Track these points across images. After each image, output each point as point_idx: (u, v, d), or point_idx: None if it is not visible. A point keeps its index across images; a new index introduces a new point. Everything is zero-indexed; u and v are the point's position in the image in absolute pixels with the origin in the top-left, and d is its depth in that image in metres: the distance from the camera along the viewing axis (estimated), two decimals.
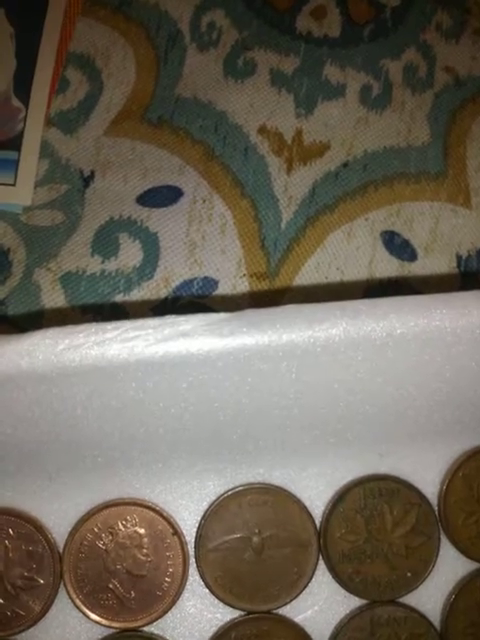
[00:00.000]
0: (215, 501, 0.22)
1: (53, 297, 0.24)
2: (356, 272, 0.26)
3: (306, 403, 0.21)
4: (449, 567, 0.23)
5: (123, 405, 0.21)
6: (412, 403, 0.22)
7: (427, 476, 0.23)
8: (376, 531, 0.23)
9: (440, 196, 0.26)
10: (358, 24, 0.29)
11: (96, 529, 0.22)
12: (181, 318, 0.19)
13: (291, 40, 0.28)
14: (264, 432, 0.22)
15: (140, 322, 0.19)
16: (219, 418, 0.21)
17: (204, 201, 0.25)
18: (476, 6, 0.30)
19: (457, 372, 0.22)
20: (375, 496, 0.23)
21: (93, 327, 0.19)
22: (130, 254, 0.25)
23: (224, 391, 0.20)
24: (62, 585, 0.22)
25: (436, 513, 0.23)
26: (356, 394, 0.21)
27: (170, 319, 0.19)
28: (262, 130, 0.27)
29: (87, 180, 0.26)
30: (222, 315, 0.19)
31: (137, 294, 0.24)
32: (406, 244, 0.26)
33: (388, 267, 0.26)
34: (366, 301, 0.20)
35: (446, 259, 0.26)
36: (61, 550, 0.22)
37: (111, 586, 0.22)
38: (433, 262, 0.26)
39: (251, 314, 0.20)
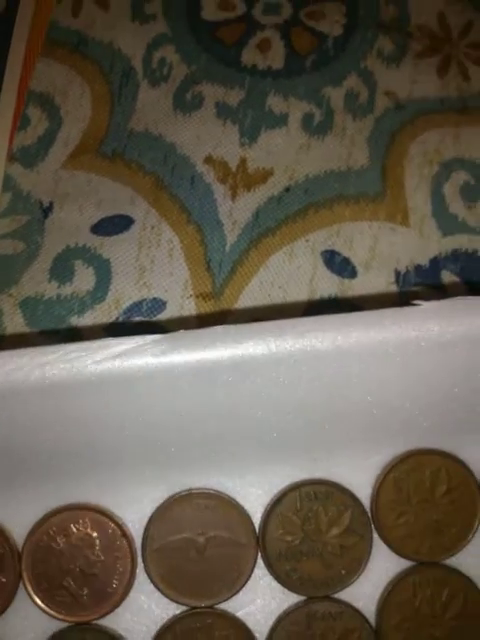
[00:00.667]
0: (161, 505, 0.26)
1: (14, 320, 0.28)
2: (298, 290, 0.29)
3: (240, 415, 0.25)
4: (382, 565, 0.26)
5: (71, 420, 0.25)
6: (343, 413, 0.26)
7: (360, 479, 0.26)
8: (311, 532, 0.26)
9: (379, 216, 0.30)
10: (301, 55, 0.32)
11: (51, 532, 0.26)
12: (116, 340, 0.23)
13: (237, 73, 0.32)
14: (203, 442, 0.25)
15: (79, 345, 0.23)
16: (159, 430, 0.25)
17: (153, 228, 0.29)
18: (417, 30, 0.34)
19: (384, 384, 0.25)
20: (310, 499, 0.26)
21: (36, 350, 0.23)
22: (84, 279, 0.29)
23: (160, 406, 0.24)
24: (22, 583, 0.26)
25: (368, 514, 0.26)
26: (287, 406, 0.25)
27: (107, 341, 0.23)
28: (208, 160, 0.31)
29: (46, 211, 0.30)
30: (155, 337, 0.23)
31: (90, 316, 0.28)
32: (346, 262, 0.30)
33: (329, 284, 0.29)
34: (289, 321, 0.24)
35: (385, 275, 0.30)
36: (21, 550, 0.26)
37: (66, 584, 0.26)
38: (372, 278, 0.30)
39: (181, 335, 0.23)
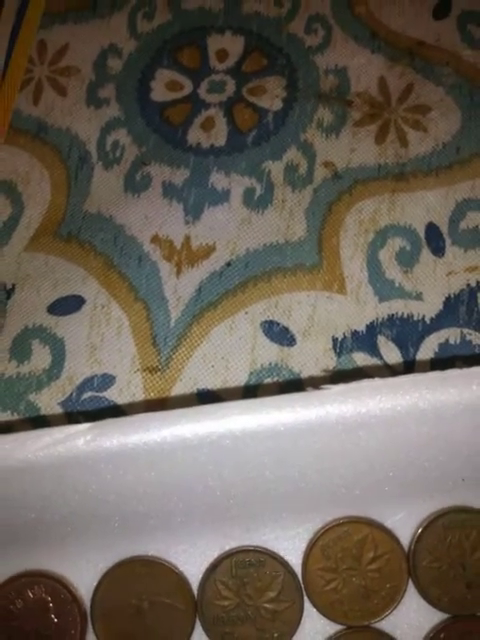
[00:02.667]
0: (106, 572, 0.26)
1: None
2: (240, 359, 0.28)
3: (170, 493, 0.24)
4: (313, 628, 0.25)
5: (18, 501, 0.24)
6: (269, 487, 0.25)
7: (291, 547, 0.26)
8: (246, 597, 0.25)
9: (316, 285, 0.29)
10: (242, 131, 0.31)
11: (10, 596, 0.26)
12: (48, 431, 0.23)
13: (182, 153, 0.31)
14: (141, 515, 0.25)
15: (16, 436, 0.23)
16: (99, 506, 0.25)
17: (103, 307, 0.29)
18: (358, 98, 0.32)
19: (305, 460, 0.24)
20: (244, 566, 0.25)
21: None
22: (41, 358, 0.28)
23: (94, 486, 0.24)
24: None
25: (299, 580, 0.25)
26: (213, 484, 0.24)
27: (42, 431, 0.23)
28: (154, 239, 0.30)
29: (9, 293, 0.30)
30: (83, 426, 0.23)
31: (47, 392, 0.28)
32: (285, 331, 0.28)
33: (269, 353, 0.28)
34: (206, 407, 0.23)
35: (323, 342, 0.28)
36: None
37: None
38: (311, 345, 0.28)
39: (107, 424, 0.23)
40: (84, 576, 0.26)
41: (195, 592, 0.25)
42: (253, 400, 0.23)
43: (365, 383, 0.23)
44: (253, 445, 0.24)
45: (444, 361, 0.28)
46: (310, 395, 0.23)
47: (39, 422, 0.27)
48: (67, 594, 0.26)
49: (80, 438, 0.23)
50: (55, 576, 0.26)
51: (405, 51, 0.33)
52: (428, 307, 0.29)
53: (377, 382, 0.23)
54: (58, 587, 0.26)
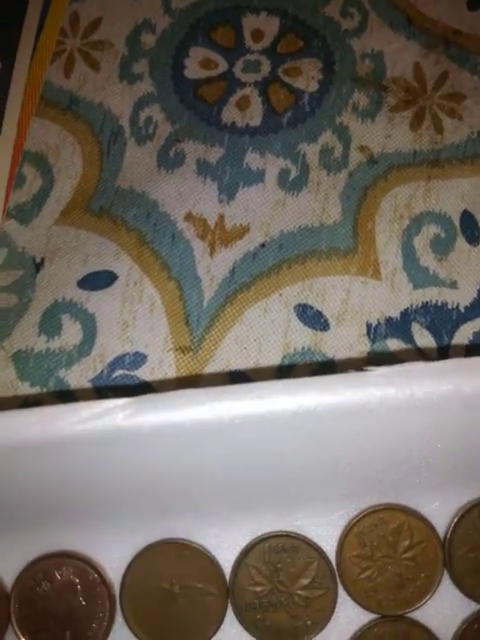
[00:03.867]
0: (137, 554, 0.24)
1: (5, 373, 0.26)
2: (272, 343, 0.26)
3: (208, 473, 0.22)
4: (346, 617, 0.23)
5: (50, 478, 0.22)
6: (307, 470, 0.23)
7: (325, 533, 0.24)
8: (279, 583, 0.23)
9: (350, 270, 0.27)
10: (278, 112, 0.29)
11: (37, 577, 0.24)
12: (87, 404, 0.20)
13: (217, 131, 0.29)
14: (175, 496, 0.23)
15: (54, 408, 0.21)
16: (132, 485, 0.22)
17: (136, 284, 0.26)
18: (393, 83, 0.30)
19: (346, 443, 0.22)
20: (278, 551, 0.23)
21: (15, 413, 0.21)
22: (71, 333, 0.26)
23: (130, 465, 0.22)
24: (10, 625, 0.24)
25: (334, 567, 0.23)
26: (252, 465, 0.22)
27: (80, 405, 0.21)
28: (188, 217, 0.27)
29: (38, 266, 0.27)
30: (123, 400, 0.21)
31: (77, 369, 0.26)
32: (319, 315, 0.26)
33: (302, 337, 0.26)
34: (248, 385, 0.21)
35: (357, 327, 0.26)
36: (9, 594, 0.24)
37: (50, 626, 0.24)
38: (345, 330, 0.26)
39: (148, 399, 0.21)
40: (114, 558, 0.24)
41: (227, 577, 0.24)
42: (295, 380, 0.21)
43: (409, 366, 0.21)
44: (293, 426, 0.21)
45: (479, 349, 0.26)
46: (353, 376, 0.21)
47: (68, 399, 0.25)
48: (96, 576, 0.24)
49: (119, 413, 0.21)
50: (84, 557, 0.24)
51: (440, 39, 0.30)
52: (463, 295, 0.27)
53: (420, 365, 0.21)
54: (87, 569, 0.24)
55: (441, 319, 0.26)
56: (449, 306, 0.27)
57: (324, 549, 0.23)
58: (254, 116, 0.29)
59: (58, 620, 0.24)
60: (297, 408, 0.21)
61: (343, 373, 0.21)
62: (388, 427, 0.22)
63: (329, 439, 0.22)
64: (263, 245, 0.27)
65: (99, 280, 0.27)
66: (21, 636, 0.24)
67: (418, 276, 0.27)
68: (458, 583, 0.23)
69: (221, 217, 0.27)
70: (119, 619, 0.23)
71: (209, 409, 0.21)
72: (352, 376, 0.21)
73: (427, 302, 0.27)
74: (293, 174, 0.28)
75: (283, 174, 0.28)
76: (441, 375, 0.21)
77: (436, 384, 0.21)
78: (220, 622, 0.23)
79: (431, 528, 0.23)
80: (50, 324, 0.27)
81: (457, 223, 0.28)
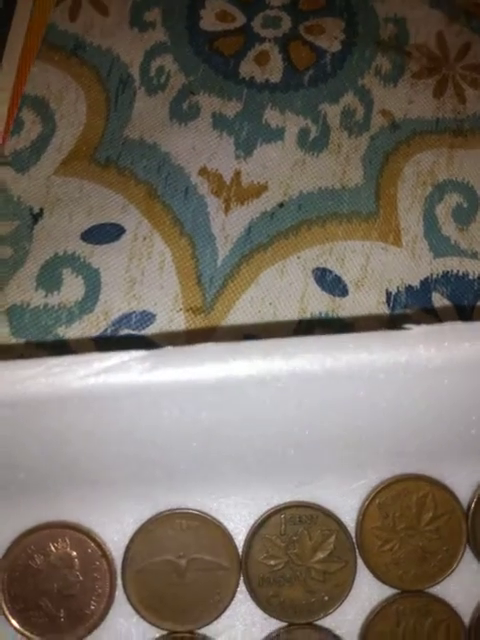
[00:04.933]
0: (142, 525, 0.23)
1: None
2: (288, 307, 0.26)
3: (225, 436, 0.22)
4: (365, 592, 0.23)
5: (52, 436, 0.21)
6: (329, 436, 0.22)
7: (345, 504, 0.23)
8: (295, 556, 0.23)
9: (371, 235, 0.27)
10: (299, 70, 0.29)
11: (30, 550, 0.22)
12: (100, 356, 0.19)
13: (234, 85, 0.28)
14: (187, 462, 0.22)
15: (62, 359, 0.20)
16: (142, 448, 0.22)
17: (145, 239, 0.26)
18: (416, 50, 0.30)
19: (372, 408, 0.22)
20: (295, 522, 0.23)
21: (18, 364, 0.20)
22: (72, 289, 0.25)
23: (144, 424, 0.21)
24: None
25: (353, 540, 0.23)
26: (273, 428, 0.22)
27: (90, 356, 0.20)
28: (203, 171, 0.27)
29: (36, 217, 0.26)
30: (140, 353, 0.20)
31: (78, 327, 0.25)
32: (338, 280, 0.26)
33: (319, 302, 0.26)
34: (277, 341, 0.20)
35: (376, 294, 0.26)
36: None
37: (42, 604, 0.22)
38: (363, 297, 0.26)
39: (167, 352, 0.20)
40: (116, 529, 0.23)
41: (240, 550, 0.23)
42: (326, 337, 0.21)
43: (448, 325, 0.21)
44: (321, 387, 0.21)
45: None
46: (390, 334, 0.21)
47: None
48: (96, 549, 0.22)
49: (136, 366, 0.20)
50: (82, 529, 0.22)
51: (462, 10, 0.31)
52: None
53: (462, 325, 0.21)
54: (86, 541, 0.22)
55: (462, 289, 0.27)
56: (470, 276, 0.27)
57: (343, 521, 0.23)
58: (274, 72, 0.29)
59: (52, 597, 0.22)
60: (329, 366, 0.21)
61: (378, 331, 0.21)
62: (422, 390, 0.22)
63: (358, 401, 0.22)
64: (282, 205, 0.27)
65: (105, 233, 0.26)
66: (10, 616, 0.22)
67: (440, 245, 0.27)
68: None
69: (237, 173, 0.27)
70: (120, 596, 0.22)
71: (234, 366, 0.20)
72: (388, 334, 0.21)
73: (448, 271, 0.27)
74: (313, 134, 0.28)
75: (303, 133, 0.28)
76: None
77: (476, 346, 0.22)
78: (231, 598, 0.22)
79: (455, 499, 0.23)
80: (49, 278, 0.26)
81: (479, 193, 0.28)
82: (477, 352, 0.21)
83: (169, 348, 0.20)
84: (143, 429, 0.21)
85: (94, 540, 0.23)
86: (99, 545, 0.23)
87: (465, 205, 0.28)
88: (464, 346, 0.21)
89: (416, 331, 0.21)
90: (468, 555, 0.23)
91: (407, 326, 0.21)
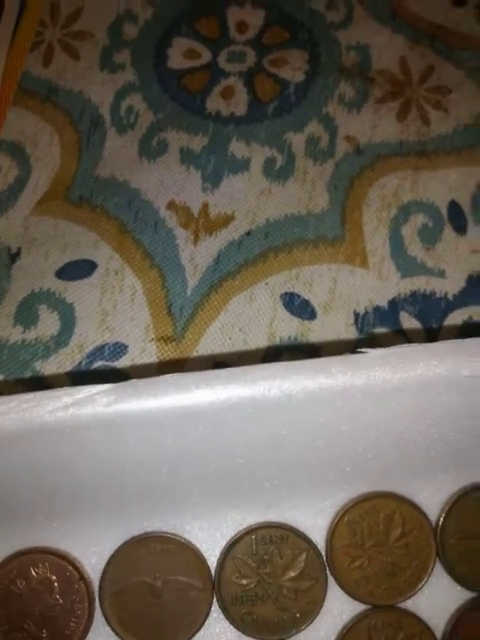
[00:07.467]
0: (118, 548, 0.25)
1: None
2: (258, 332, 0.28)
3: (192, 462, 0.24)
4: (337, 608, 0.25)
5: (26, 468, 0.24)
6: (294, 457, 0.24)
7: (315, 523, 0.25)
8: (267, 575, 0.25)
9: (338, 258, 0.29)
10: (263, 101, 0.32)
11: (12, 575, 0.25)
12: (67, 390, 0.22)
13: (201, 120, 0.31)
14: (158, 487, 0.24)
15: (32, 395, 0.22)
16: (113, 476, 0.24)
17: (116, 273, 0.29)
18: (379, 75, 0.33)
19: (334, 428, 0.24)
20: (266, 542, 0.25)
21: None
22: (48, 324, 0.28)
23: (112, 453, 0.23)
24: None
25: (323, 557, 0.25)
26: (238, 452, 0.24)
27: (58, 391, 0.22)
28: (171, 205, 0.30)
29: (14, 257, 0.29)
30: (105, 386, 0.22)
31: (54, 360, 0.27)
32: (306, 304, 0.29)
33: (289, 326, 0.28)
34: (237, 369, 0.23)
35: (344, 316, 0.28)
36: None
37: (25, 626, 0.25)
38: (332, 319, 0.28)
39: (131, 385, 0.22)
40: (93, 553, 0.25)
41: (213, 571, 0.25)
42: (285, 363, 0.23)
43: (403, 348, 0.23)
44: (282, 411, 0.23)
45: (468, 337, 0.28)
46: (347, 359, 0.23)
47: (45, 390, 0.27)
48: (74, 572, 0.25)
49: (103, 399, 0.23)
50: (61, 553, 0.25)
51: (425, 34, 0.34)
52: (451, 284, 0.29)
53: (415, 347, 0.23)
54: (64, 565, 0.25)
55: (429, 308, 0.29)
56: (437, 295, 0.29)
57: (313, 539, 0.25)
58: (239, 105, 0.31)
59: (34, 619, 0.25)
60: (289, 391, 0.23)
61: (336, 356, 0.23)
62: (381, 411, 0.24)
63: (319, 424, 0.24)
64: (249, 233, 0.29)
65: (78, 269, 0.29)
66: None
67: (406, 265, 0.29)
68: (450, 571, 0.25)
69: (205, 205, 0.30)
70: (99, 617, 0.25)
71: (196, 394, 0.23)
72: (346, 358, 0.23)
73: (415, 291, 0.29)
74: (279, 163, 0.31)
75: (269, 163, 0.31)
76: (436, 357, 0.23)
77: (430, 366, 0.23)
78: (205, 617, 0.25)
79: (423, 515, 0.25)
80: (26, 314, 0.28)
81: (444, 213, 0.30)
82: (430, 372, 0.24)
83: (134, 380, 0.23)
84: (112, 458, 0.24)
85: (72, 564, 0.25)
86: (77, 569, 0.25)
87: (430, 225, 0.30)
88: (418, 367, 0.24)
89: (372, 354, 0.23)
90: (438, 569, 0.25)
91: (363, 350, 0.23)
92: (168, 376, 0.23)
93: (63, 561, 0.25)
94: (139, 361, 0.27)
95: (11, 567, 0.25)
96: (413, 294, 0.29)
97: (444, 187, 0.30)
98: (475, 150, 0.31)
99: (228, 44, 0.33)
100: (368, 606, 0.25)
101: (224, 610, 0.25)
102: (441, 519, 0.25)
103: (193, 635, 0.24)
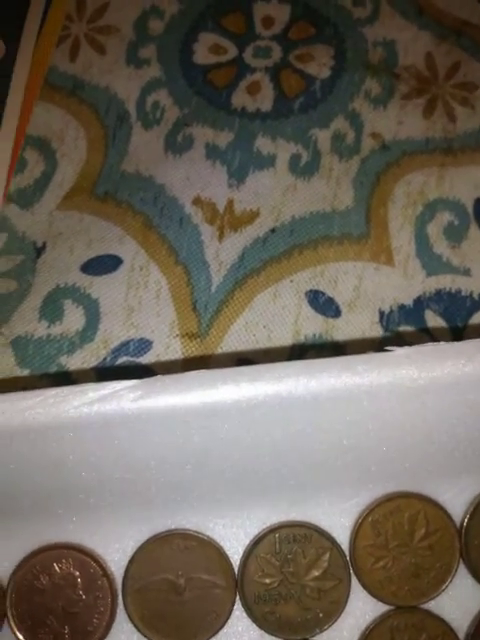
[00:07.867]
0: (141, 545, 0.25)
1: (4, 359, 0.27)
2: (282, 330, 0.28)
3: (217, 459, 0.24)
4: (360, 608, 0.25)
5: (52, 463, 0.24)
6: (319, 456, 0.24)
7: (338, 522, 0.25)
8: (290, 574, 0.25)
9: (363, 256, 0.29)
10: (289, 97, 0.31)
11: (35, 570, 0.25)
12: (94, 386, 0.22)
13: (227, 115, 0.31)
14: (182, 484, 0.24)
15: (58, 390, 0.22)
16: (138, 473, 0.24)
17: (141, 269, 0.28)
18: (405, 71, 0.32)
19: (359, 428, 0.24)
20: (289, 541, 0.25)
21: (17, 395, 0.22)
22: (73, 319, 0.28)
23: (138, 450, 0.23)
24: (7, 620, 0.25)
25: (347, 557, 0.25)
26: (263, 450, 0.24)
27: (85, 387, 0.22)
28: (197, 201, 0.30)
29: (39, 251, 0.29)
30: (131, 382, 0.22)
31: (79, 355, 0.27)
32: (330, 302, 0.28)
33: (313, 324, 0.28)
34: (264, 366, 0.22)
35: (369, 314, 0.28)
36: (6, 588, 0.25)
37: (48, 622, 0.25)
38: (356, 317, 0.28)
39: (157, 381, 0.22)
40: (116, 550, 0.25)
41: (236, 569, 0.25)
42: (313, 360, 0.23)
43: (431, 347, 0.23)
44: (307, 409, 0.23)
45: None
46: (374, 357, 0.23)
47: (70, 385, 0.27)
48: (97, 569, 0.25)
49: (128, 395, 0.23)
50: (85, 550, 0.25)
51: (451, 30, 0.33)
52: (476, 283, 0.29)
53: (444, 346, 0.22)
54: (88, 561, 0.25)
55: (455, 306, 0.28)
56: (463, 293, 0.29)
57: (337, 539, 0.25)
58: (265, 101, 0.31)
59: (57, 615, 0.25)
60: (314, 389, 0.23)
61: (363, 354, 0.23)
62: (407, 410, 0.23)
63: (345, 423, 0.24)
64: (273, 230, 0.29)
65: (103, 265, 0.29)
66: (18, 632, 0.25)
67: (431, 263, 0.29)
68: (474, 572, 0.24)
69: (230, 201, 0.29)
70: (121, 613, 0.25)
71: (222, 391, 0.23)
72: (372, 356, 0.23)
73: (440, 289, 0.29)
74: (304, 159, 0.30)
75: (294, 159, 0.30)
76: (465, 355, 0.23)
77: (458, 365, 0.23)
78: (228, 616, 0.24)
79: (448, 516, 0.25)
80: (51, 309, 0.28)
81: (470, 211, 0.30)
82: (457, 371, 0.23)
83: (159, 377, 0.23)
84: (137, 454, 0.24)
85: (96, 560, 0.25)
86: (100, 565, 0.25)
87: (456, 222, 0.29)
88: (446, 365, 0.23)
89: (399, 352, 0.23)
90: (462, 571, 0.25)
91: (390, 348, 0.23)
92: (194, 372, 0.22)
93: (86, 557, 0.25)
94: (164, 357, 0.27)
95: (34, 562, 0.25)
96: (438, 292, 0.28)
97: (470, 185, 0.30)
98: None
99: (254, 39, 0.33)
100: (391, 607, 0.24)
101: (247, 609, 0.24)
102: (466, 520, 0.25)
103: (215, 633, 0.24)
